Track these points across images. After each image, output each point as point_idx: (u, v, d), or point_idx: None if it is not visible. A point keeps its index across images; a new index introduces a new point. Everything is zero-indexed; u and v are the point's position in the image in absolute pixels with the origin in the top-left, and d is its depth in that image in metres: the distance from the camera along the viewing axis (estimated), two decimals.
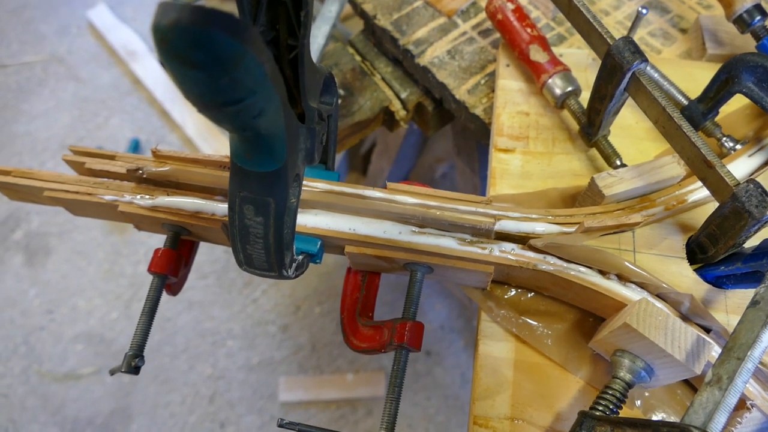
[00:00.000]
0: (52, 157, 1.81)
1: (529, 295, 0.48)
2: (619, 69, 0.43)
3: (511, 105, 0.57)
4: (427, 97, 0.68)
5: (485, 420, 0.44)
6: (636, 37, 0.65)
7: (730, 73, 0.46)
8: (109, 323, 1.58)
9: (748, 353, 0.33)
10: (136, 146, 1.78)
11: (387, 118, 0.70)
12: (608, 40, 0.44)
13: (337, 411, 1.50)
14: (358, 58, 0.71)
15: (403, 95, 0.68)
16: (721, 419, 0.32)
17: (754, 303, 0.36)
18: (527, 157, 0.54)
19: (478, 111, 0.61)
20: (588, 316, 0.47)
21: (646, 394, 0.45)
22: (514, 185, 0.53)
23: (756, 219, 0.36)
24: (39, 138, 1.83)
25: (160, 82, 1.84)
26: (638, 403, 0.45)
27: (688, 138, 0.40)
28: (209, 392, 1.50)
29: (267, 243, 0.37)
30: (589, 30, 0.46)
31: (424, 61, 0.64)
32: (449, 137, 0.96)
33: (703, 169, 0.40)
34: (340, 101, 0.68)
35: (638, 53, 0.42)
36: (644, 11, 0.50)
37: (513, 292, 0.48)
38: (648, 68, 0.53)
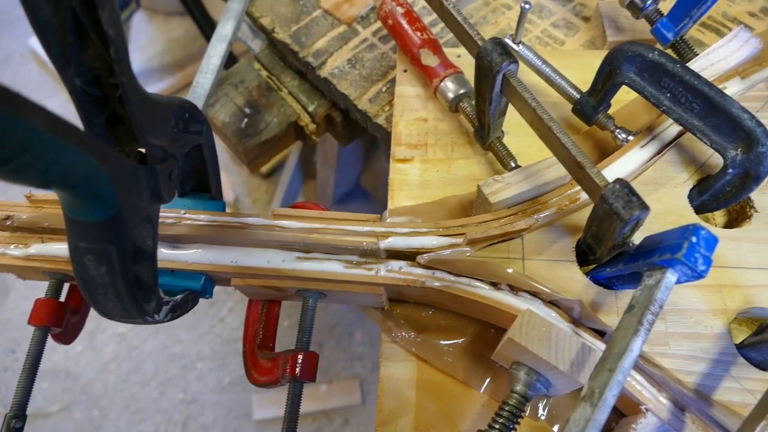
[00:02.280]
0: (3, 193, 1.77)
1: (429, 311, 0.47)
2: (490, 72, 0.41)
3: (409, 112, 0.55)
4: (335, 108, 0.66)
5: None
6: (538, 30, 0.64)
7: (611, 65, 0.45)
8: (74, 357, 1.54)
9: (619, 365, 0.32)
10: None
11: (298, 133, 0.68)
12: (478, 42, 0.43)
13: (314, 423, 1.48)
14: (264, 73, 0.68)
15: (311, 108, 0.66)
16: None
17: (629, 308, 0.35)
18: (426, 166, 0.52)
19: (381, 120, 0.59)
20: (489, 327, 0.46)
21: (552, 401, 0.44)
22: (414, 196, 0.51)
23: (624, 220, 0.34)
24: None
25: None
26: (543, 412, 0.43)
27: (558, 139, 0.39)
28: (182, 417, 1.48)
29: (117, 291, 0.35)
30: (460, 32, 0.44)
31: (324, 72, 0.62)
32: None
33: (576, 171, 0.38)
34: (246, 120, 0.65)
35: (506, 54, 0.41)
36: (526, 6, 0.48)
37: (412, 309, 0.47)
38: (538, 62, 0.52)
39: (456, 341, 0.45)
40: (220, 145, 0.67)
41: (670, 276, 0.34)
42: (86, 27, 0.29)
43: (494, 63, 0.41)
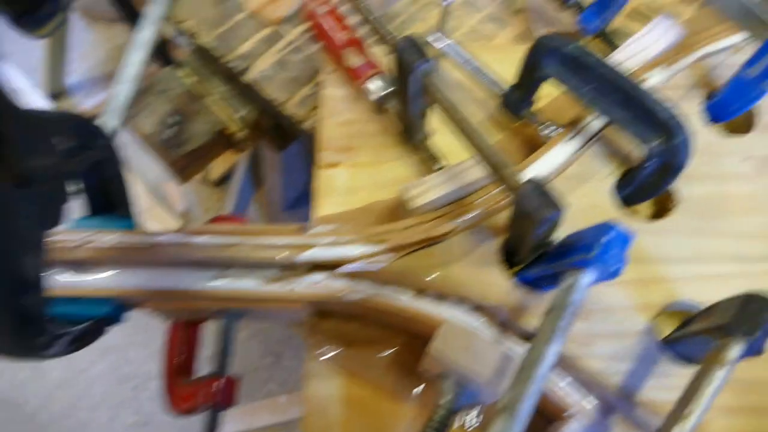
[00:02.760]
0: None
1: (357, 324, 0.45)
2: (405, 71, 0.40)
3: (335, 114, 0.53)
4: (265, 114, 0.63)
5: None
6: (467, 26, 0.63)
7: (533, 59, 0.44)
8: (19, 385, 1.47)
9: (532, 374, 0.31)
10: None
11: (229, 141, 0.65)
12: (392, 41, 0.41)
13: None
14: (189, 80, 0.65)
15: (240, 115, 0.63)
16: None
17: (548, 311, 0.34)
18: (353, 170, 0.50)
19: (308, 125, 0.57)
20: (418, 337, 0.44)
21: (485, 409, 0.42)
22: (341, 202, 0.49)
23: (537, 221, 0.33)
24: None
25: None
26: (477, 420, 0.42)
27: (473, 139, 0.37)
28: None
29: (1, 330, 0.32)
30: (377, 32, 0.42)
31: (249, 77, 0.59)
32: None
33: (494, 171, 0.37)
34: (172, 130, 0.62)
35: (419, 54, 0.39)
36: (446, 2, 0.47)
37: (338, 322, 0.45)
38: (465, 56, 0.51)
39: (384, 353, 0.43)
40: None
41: (586, 277, 0.33)
42: None
43: (407, 62, 0.39)
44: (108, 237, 0.42)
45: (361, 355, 0.43)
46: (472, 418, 0.40)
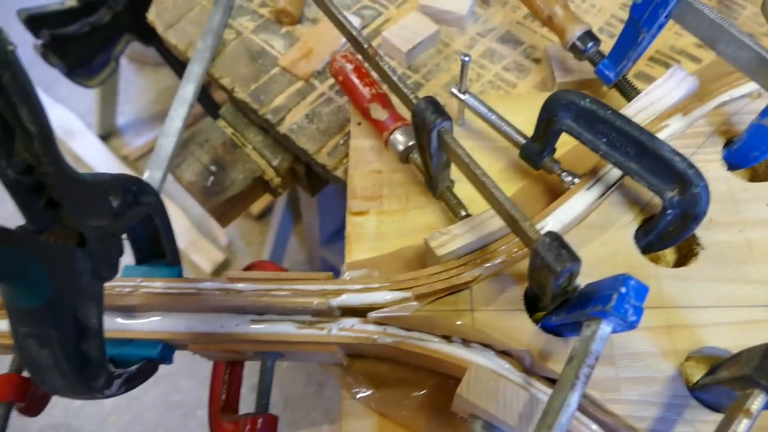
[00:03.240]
0: None
1: (389, 365, 0.47)
2: (425, 129, 0.42)
3: (364, 164, 0.56)
4: (298, 161, 0.67)
5: None
6: (490, 74, 0.65)
7: (549, 113, 0.46)
8: (74, 411, 1.54)
9: (556, 421, 0.32)
10: None
11: (265, 187, 0.69)
12: (413, 100, 0.44)
13: None
14: (229, 130, 0.70)
15: (275, 163, 0.67)
16: None
17: (569, 360, 0.35)
18: (382, 217, 0.53)
19: (340, 172, 0.60)
20: (449, 378, 0.46)
21: None
22: (371, 248, 0.52)
23: (555, 273, 0.35)
24: None
25: (100, 158, 1.84)
26: None
27: (492, 194, 0.39)
28: None
29: (62, 372, 0.35)
30: (397, 91, 0.46)
31: (283, 128, 0.63)
32: None
33: (512, 224, 0.39)
34: (212, 179, 0.67)
35: (439, 113, 0.42)
36: (466, 59, 0.50)
37: (371, 363, 0.47)
38: (483, 109, 0.53)
39: (416, 394, 0.45)
40: None
41: (605, 327, 0.34)
42: (11, 123, 0.31)
43: (428, 121, 0.42)
44: (156, 284, 0.46)
45: (394, 396, 0.45)
46: None
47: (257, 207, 1.73)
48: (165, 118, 0.64)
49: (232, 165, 0.67)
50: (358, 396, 0.45)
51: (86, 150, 1.87)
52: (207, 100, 1.48)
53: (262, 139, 0.69)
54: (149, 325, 0.45)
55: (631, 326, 0.33)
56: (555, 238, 0.36)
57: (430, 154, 0.45)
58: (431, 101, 0.43)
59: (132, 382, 0.42)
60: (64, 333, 0.34)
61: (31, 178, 0.34)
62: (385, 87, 0.64)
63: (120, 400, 1.55)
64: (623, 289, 0.33)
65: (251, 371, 0.47)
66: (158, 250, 0.49)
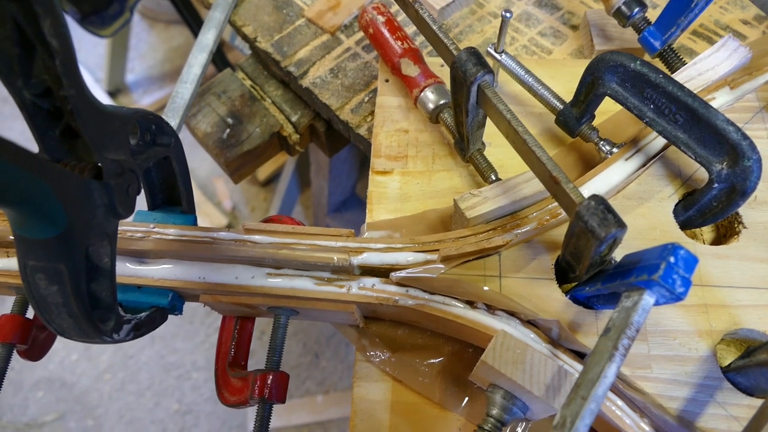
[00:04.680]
0: None
1: (406, 330, 0.45)
2: (464, 82, 0.40)
3: (390, 123, 0.54)
4: (318, 118, 0.65)
5: None
6: (525, 38, 0.62)
7: (594, 75, 0.43)
8: (70, 366, 1.54)
9: (592, 392, 0.30)
10: None
11: (282, 143, 0.67)
12: (453, 51, 0.41)
13: None
14: (247, 82, 0.67)
15: (294, 118, 0.65)
16: None
17: (606, 331, 0.33)
18: (406, 178, 0.51)
19: (363, 131, 0.58)
20: (467, 346, 0.44)
21: (532, 424, 0.42)
22: (393, 209, 0.50)
23: (599, 238, 0.33)
24: None
25: None
26: None
27: (533, 153, 0.37)
28: (177, 428, 1.47)
29: (71, 311, 0.33)
30: (436, 42, 0.43)
31: (306, 82, 0.61)
32: None
33: (552, 186, 0.37)
34: (229, 131, 0.64)
35: (481, 65, 0.39)
36: (507, 15, 0.47)
37: (387, 327, 0.45)
38: (521, 72, 0.50)
39: (432, 361, 0.44)
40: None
41: (648, 298, 0.32)
42: (31, 38, 0.28)
43: (469, 73, 0.39)
44: (170, 230, 0.44)
45: (410, 362, 0.43)
46: (524, 429, 0.40)
47: (263, 173, 1.71)
48: (175, 76, 0.61)
49: (249, 118, 0.65)
50: (373, 359, 0.44)
51: None
52: (220, 58, 1.44)
53: (281, 94, 0.66)
54: (160, 272, 0.43)
55: (678, 298, 0.31)
56: (600, 201, 0.34)
57: (466, 111, 0.42)
58: (473, 52, 0.40)
59: (140, 330, 0.40)
60: (75, 269, 0.32)
61: (50, 102, 0.32)
62: (418, 41, 0.61)
63: (115, 359, 1.55)
64: (672, 259, 0.31)
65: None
66: (173, 196, 0.47)
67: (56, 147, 0.33)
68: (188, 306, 1.76)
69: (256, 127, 0.64)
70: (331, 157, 0.71)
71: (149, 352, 1.55)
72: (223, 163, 0.64)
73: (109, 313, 0.36)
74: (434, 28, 0.43)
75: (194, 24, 1.39)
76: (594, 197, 0.34)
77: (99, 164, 0.34)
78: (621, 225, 0.33)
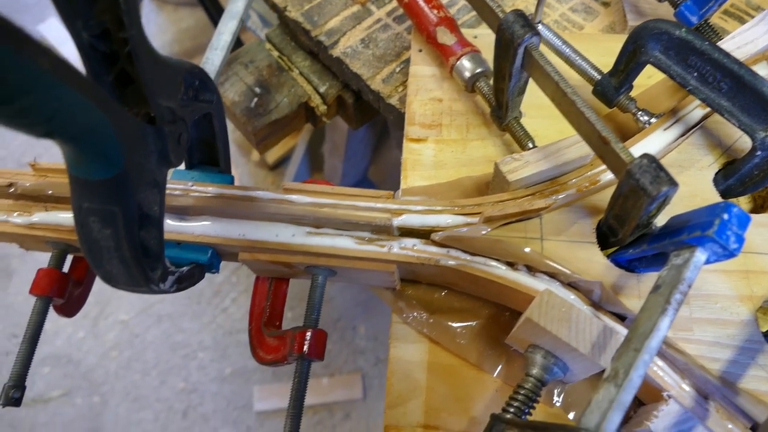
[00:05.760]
0: None
1: (442, 293, 0.45)
2: (511, 45, 0.40)
3: (424, 92, 0.54)
4: (346, 89, 0.65)
5: (397, 429, 0.41)
6: (557, 13, 0.62)
7: (636, 43, 0.43)
8: (76, 343, 1.54)
9: (645, 344, 0.30)
10: None
11: (308, 114, 0.67)
12: (499, 14, 0.41)
13: (314, 416, 1.47)
14: (275, 53, 0.67)
15: (322, 89, 0.64)
16: (615, 418, 0.29)
17: (655, 288, 0.33)
18: (440, 146, 0.51)
19: (394, 101, 0.58)
20: (504, 310, 0.44)
21: (567, 388, 0.42)
22: (427, 176, 0.50)
23: (651, 196, 0.33)
24: None
25: None
26: (558, 399, 0.42)
27: (582, 114, 0.37)
28: (182, 407, 1.47)
29: (122, 256, 0.33)
30: (481, 4, 0.43)
31: (337, 51, 0.61)
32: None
33: (600, 147, 0.37)
34: (256, 100, 0.64)
35: (529, 26, 0.39)
36: None
37: (424, 290, 0.45)
38: (558, 42, 0.51)
39: (469, 324, 0.44)
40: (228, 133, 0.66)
41: (700, 255, 0.32)
42: None
43: (516, 35, 0.39)
44: (209, 188, 0.44)
45: (446, 325, 0.43)
46: (560, 393, 0.40)
47: (272, 156, 1.70)
48: (185, 57, 0.61)
49: (277, 88, 0.65)
50: (410, 321, 0.44)
51: None
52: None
53: (309, 64, 0.66)
54: (201, 228, 0.43)
55: (731, 254, 0.32)
56: (653, 160, 0.34)
57: (509, 75, 0.42)
58: (520, 14, 0.40)
59: (182, 283, 0.40)
60: (129, 213, 0.32)
61: (107, 44, 0.32)
62: (454, 10, 0.61)
63: (122, 337, 1.55)
64: (726, 216, 0.31)
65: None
66: (211, 155, 0.47)
67: (109, 92, 0.33)
68: (195, 287, 1.77)
69: (284, 97, 0.64)
70: (356, 129, 0.71)
71: (155, 331, 1.56)
72: (251, 132, 0.64)
73: (157, 262, 0.36)
74: None
75: (209, 5, 1.39)
76: (645, 155, 0.34)
77: (150, 113, 0.34)
78: (673, 183, 0.33)
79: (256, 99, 0.64)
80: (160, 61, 0.34)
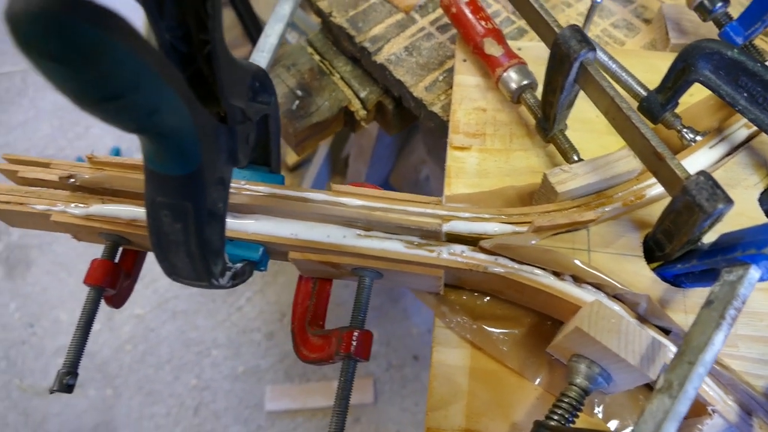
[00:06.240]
0: None
1: (485, 299, 0.46)
2: (567, 59, 0.41)
3: (468, 101, 0.55)
4: (387, 96, 0.66)
5: None
6: (598, 29, 0.63)
7: (686, 62, 0.44)
8: (92, 335, 1.54)
9: (700, 357, 0.31)
10: (116, 155, 1.76)
11: (347, 118, 0.68)
12: (555, 28, 0.42)
13: (324, 419, 1.47)
14: (316, 57, 0.69)
15: (363, 94, 0.66)
16: (670, 429, 0.30)
17: (708, 303, 0.34)
18: (484, 155, 0.52)
19: (436, 108, 0.59)
20: (546, 319, 0.45)
21: (607, 399, 0.43)
22: (471, 184, 0.51)
23: (707, 213, 0.34)
24: (18, 149, 1.81)
25: None
26: (599, 409, 0.42)
27: (637, 129, 0.38)
28: (194, 403, 1.48)
29: (189, 250, 0.35)
30: (536, 19, 0.44)
31: (380, 58, 0.62)
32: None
33: (654, 162, 0.38)
34: (298, 102, 0.65)
35: (585, 42, 0.40)
36: (598, 0, 0.48)
37: (468, 296, 0.46)
38: (604, 57, 0.51)
39: (511, 331, 0.45)
40: None
41: (754, 272, 0.33)
42: None
43: (572, 50, 0.40)
44: (261, 187, 0.45)
45: (489, 331, 0.44)
46: (599, 403, 0.40)
47: (293, 157, 1.72)
48: None
49: (318, 91, 0.66)
50: (452, 325, 0.45)
51: None
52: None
53: (350, 69, 0.67)
54: (254, 226, 0.44)
55: None
56: (709, 177, 0.34)
57: (561, 88, 0.43)
58: (577, 29, 0.41)
59: (236, 279, 0.41)
60: (200, 209, 0.33)
61: (186, 45, 0.33)
62: (497, 21, 0.62)
63: (137, 331, 1.57)
64: None
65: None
66: (263, 155, 0.48)
67: None
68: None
69: (325, 101, 0.65)
70: (392, 135, 0.72)
71: (170, 326, 1.57)
72: (292, 134, 0.65)
73: (218, 258, 0.37)
74: (535, 5, 0.44)
75: (240, 6, 1.41)
76: (702, 172, 0.35)
77: (220, 113, 0.35)
78: (729, 200, 0.34)
79: (297, 101, 0.65)
80: (234, 62, 0.35)
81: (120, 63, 0.21)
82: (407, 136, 1.21)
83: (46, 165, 0.48)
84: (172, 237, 0.34)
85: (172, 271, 0.36)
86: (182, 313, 1.57)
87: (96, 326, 1.56)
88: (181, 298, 1.58)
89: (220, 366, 1.52)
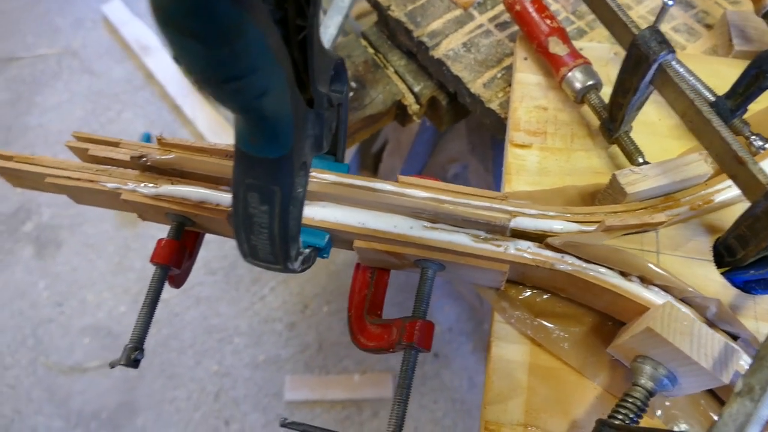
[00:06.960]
0: (64, 150, 1.81)
1: (545, 296, 0.46)
2: (645, 60, 0.41)
3: (529, 99, 0.55)
4: (441, 91, 0.66)
5: (497, 426, 0.42)
6: None
7: (760, 68, 0.44)
8: (117, 317, 1.57)
9: None
10: (147, 140, 1.78)
11: (399, 112, 0.68)
12: (633, 30, 0.42)
13: (343, 411, 1.48)
14: (371, 50, 0.69)
15: (417, 89, 0.66)
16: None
17: None
18: (545, 153, 0.52)
19: (494, 105, 0.59)
20: (607, 319, 0.45)
21: (667, 403, 0.43)
22: (531, 182, 0.51)
23: None
24: (51, 131, 1.84)
25: (173, 77, 1.84)
26: (659, 412, 0.42)
27: (718, 133, 0.38)
28: (215, 389, 1.49)
29: (272, 233, 0.35)
30: (612, 20, 0.44)
31: (438, 53, 0.62)
32: (463, 136, 0.94)
33: (734, 167, 0.38)
34: (352, 94, 0.66)
35: (665, 44, 0.40)
36: (670, 3, 0.48)
37: (528, 292, 0.46)
38: (674, 61, 0.51)
39: (572, 329, 0.45)
40: None
41: None
42: None
43: (652, 51, 0.40)
44: (328, 175, 0.46)
45: (550, 327, 0.44)
46: (658, 406, 0.40)
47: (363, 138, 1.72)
48: None
49: (372, 84, 0.66)
50: (513, 320, 0.45)
51: (159, 67, 1.87)
52: None
53: (405, 64, 0.67)
54: (321, 213, 0.45)
55: None
56: None
57: (635, 90, 0.43)
58: (656, 31, 0.41)
59: (305, 264, 0.42)
60: (286, 193, 0.34)
61: (283, 29, 0.33)
62: (560, 18, 0.62)
63: (161, 314, 1.58)
64: None
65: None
66: (332, 144, 0.48)
67: None
68: (234, 273, 1.79)
69: (379, 94, 0.66)
70: (443, 130, 0.72)
71: (194, 312, 1.59)
72: None
73: (295, 242, 0.38)
74: (613, 5, 0.44)
75: None
76: None
77: (313, 96, 0.36)
78: None
79: (351, 93, 0.66)
80: (323, 50, 0.35)
81: (251, 44, 0.22)
82: (436, 134, 1.21)
83: (115, 144, 0.49)
84: (257, 219, 0.34)
85: (251, 253, 0.37)
86: (205, 300, 1.59)
87: (121, 308, 1.59)
88: (205, 284, 1.60)
89: (241, 353, 1.54)
